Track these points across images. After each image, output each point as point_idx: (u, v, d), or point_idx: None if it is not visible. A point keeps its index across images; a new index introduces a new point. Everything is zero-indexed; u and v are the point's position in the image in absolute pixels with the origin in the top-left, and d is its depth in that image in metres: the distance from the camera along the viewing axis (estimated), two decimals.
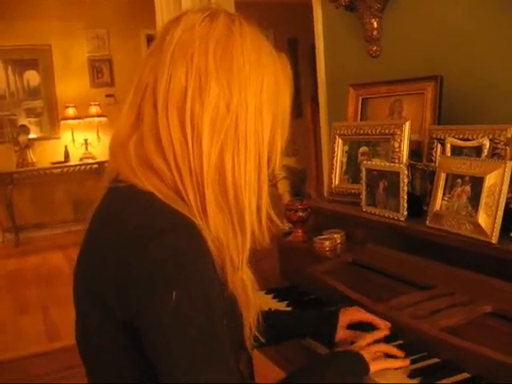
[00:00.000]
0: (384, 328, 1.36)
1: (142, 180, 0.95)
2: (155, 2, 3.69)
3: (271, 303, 1.79)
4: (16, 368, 3.35)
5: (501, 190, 1.38)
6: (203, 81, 0.95)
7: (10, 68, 6.95)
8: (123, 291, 0.89)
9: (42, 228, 7.02)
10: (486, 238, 1.39)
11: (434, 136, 1.74)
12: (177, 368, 0.87)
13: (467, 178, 1.47)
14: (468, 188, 1.47)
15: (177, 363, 0.87)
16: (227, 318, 0.95)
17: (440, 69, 1.92)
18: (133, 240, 0.89)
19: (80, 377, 1.07)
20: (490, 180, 1.40)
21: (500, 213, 1.37)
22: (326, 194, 2.18)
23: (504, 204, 1.38)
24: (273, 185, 5.06)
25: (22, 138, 6.80)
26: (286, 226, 2.10)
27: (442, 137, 1.70)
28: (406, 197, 1.68)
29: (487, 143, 1.55)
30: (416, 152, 1.86)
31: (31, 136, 6.98)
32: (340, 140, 2.08)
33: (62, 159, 7.07)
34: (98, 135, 7.20)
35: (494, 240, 1.37)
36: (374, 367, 1.21)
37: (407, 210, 1.68)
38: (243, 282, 1.06)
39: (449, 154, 1.64)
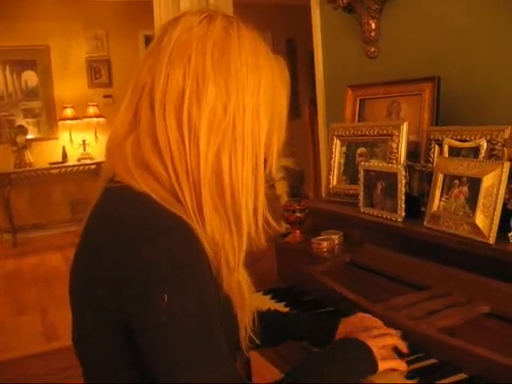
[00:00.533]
0: None
1: (138, 181, 0.95)
2: (154, 3, 3.69)
3: (269, 304, 1.79)
4: (14, 368, 3.34)
5: (498, 191, 1.38)
6: (200, 82, 0.95)
7: (8, 68, 6.94)
8: (119, 292, 0.89)
9: (39, 228, 7.01)
10: (484, 238, 1.39)
11: (432, 137, 1.75)
12: (171, 369, 0.87)
13: (465, 179, 1.48)
14: (465, 189, 1.47)
15: (171, 364, 0.87)
16: (222, 319, 0.95)
17: (438, 70, 1.92)
18: (129, 241, 0.89)
19: (78, 377, 1.07)
20: (487, 181, 1.40)
21: (497, 214, 1.38)
22: (323, 195, 2.19)
23: (501, 205, 1.38)
24: (271, 186, 5.06)
25: (19, 139, 6.79)
26: (284, 228, 2.10)
27: (440, 138, 1.70)
28: (403, 198, 1.68)
29: (485, 144, 1.55)
30: (414, 153, 1.87)
31: (29, 136, 6.97)
32: (338, 141, 2.09)
33: (60, 160, 7.05)
34: (96, 136, 7.20)
35: (492, 241, 1.38)
36: (382, 366, 1.19)
37: (405, 210, 1.68)
38: (239, 284, 1.06)
39: (446, 155, 1.65)
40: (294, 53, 7.75)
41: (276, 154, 1.04)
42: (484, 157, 1.54)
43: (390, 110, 2.06)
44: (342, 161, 2.08)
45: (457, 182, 1.50)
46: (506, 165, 1.38)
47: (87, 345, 1.00)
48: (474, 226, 1.41)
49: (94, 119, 7.07)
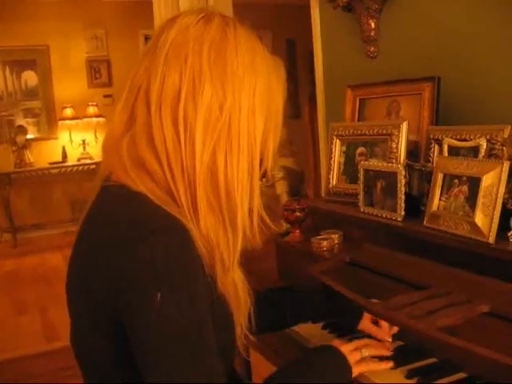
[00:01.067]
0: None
1: (134, 180, 0.96)
2: (153, 3, 3.69)
3: None
4: (14, 368, 3.35)
5: (498, 190, 1.38)
6: (197, 82, 0.95)
7: (7, 68, 6.95)
8: (114, 292, 0.89)
9: (39, 228, 7.02)
10: (483, 238, 1.39)
11: (432, 136, 1.75)
12: (160, 368, 0.87)
13: (464, 179, 1.48)
14: (465, 188, 1.47)
15: (161, 363, 0.87)
16: (217, 318, 0.95)
17: (437, 69, 1.92)
18: (124, 241, 0.89)
19: (78, 377, 1.07)
20: (487, 180, 1.40)
21: (497, 213, 1.38)
22: (323, 195, 2.19)
23: (501, 204, 1.38)
24: (271, 185, 5.06)
25: (19, 139, 6.80)
26: (283, 227, 2.11)
27: (440, 137, 1.70)
28: (403, 197, 1.68)
29: (484, 143, 1.55)
30: (413, 152, 1.87)
31: (29, 136, 6.98)
32: (338, 140, 2.09)
33: (60, 159, 7.07)
34: (95, 135, 7.21)
35: (491, 240, 1.38)
36: (356, 370, 1.22)
37: (404, 210, 1.68)
38: (234, 283, 1.06)
39: (446, 155, 1.65)
40: (295, 53, 7.75)
41: (272, 154, 1.04)
42: (483, 156, 1.54)
43: (389, 109, 2.06)
44: (342, 160, 2.08)
45: (456, 181, 1.50)
46: (506, 164, 1.38)
47: (84, 345, 1.00)
48: (474, 226, 1.42)
49: (94, 119, 7.08)
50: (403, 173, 1.69)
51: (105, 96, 7.25)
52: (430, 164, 1.70)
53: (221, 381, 0.94)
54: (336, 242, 1.90)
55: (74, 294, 1.01)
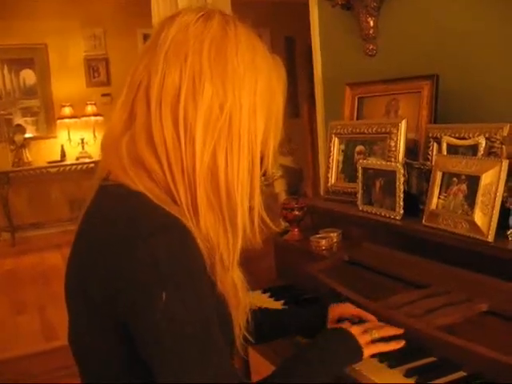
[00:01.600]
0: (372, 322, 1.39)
1: (133, 179, 0.95)
2: (152, 2, 3.68)
3: (267, 302, 1.79)
4: (12, 367, 3.34)
5: (497, 189, 1.38)
6: (197, 81, 0.95)
7: (5, 67, 6.93)
8: (114, 292, 0.89)
9: (38, 227, 7.00)
10: (482, 236, 1.39)
11: (431, 135, 1.74)
12: (171, 369, 0.87)
13: (463, 177, 1.48)
14: (464, 187, 1.47)
15: (171, 364, 0.87)
16: (217, 318, 0.95)
17: (436, 68, 1.92)
18: (124, 241, 0.89)
19: (76, 376, 1.06)
20: (486, 179, 1.40)
21: (496, 211, 1.37)
22: (322, 193, 2.18)
23: (500, 202, 1.38)
24: (269, 184, 5.06)
25: (17, 138, 6.79)
26: (282, 226, 2.10)
27: (438, 135, 1.70)
28: (402, 195, 1.68)
29: (483, 142, 1.55)
30: (412, 151, 1.87)
31: (27, 135, 6.97)
32: (336, 139, 2.08)
33: (59, 158, 7.05)
34: (94, 134, 7.19)
35: (490, 238, 1.37)
36: (367, 351, 1.22)
37: (403, 208, 1.68)
38: (234, 282, 1.06)
39: (445, 153, 1.64)
40: (293, 51, 7.74)
41: (272, 153, 1.04)
42: (483, 154, 1.54)
43: (388, 107, 2.06)
44: (341, 159, 2.08)
45: (455, 179, 1.50)
46: (505, 163, 1.38)
47: (83, 344, 1.00)
48: (473, 224, 1.41)
49: (93, 118, 7.07)
50: (402, 171, 1.69)
51: (103, 95, 7.23)
52: (428, 162, 1.70)
53: (234, 379, 0.94)
54: (335, 240, 1.90)
55: (72, 293, 1.01)
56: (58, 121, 7.06)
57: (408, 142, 1.85)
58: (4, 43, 6.74)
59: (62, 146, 7.11)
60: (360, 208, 1.84)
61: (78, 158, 7.12)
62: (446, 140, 1.65)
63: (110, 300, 0.90)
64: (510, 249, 1.35)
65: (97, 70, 7.35)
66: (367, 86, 2.16)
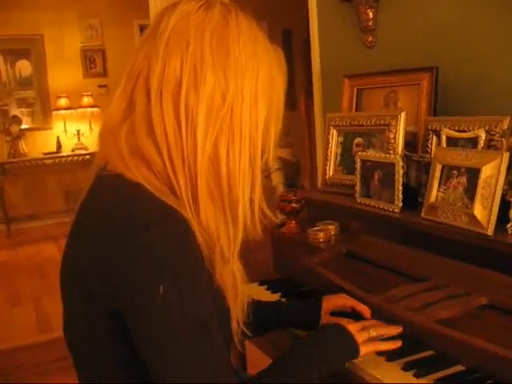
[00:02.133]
0: (366, 313, 1.39)
1: (131, 170, 0.94)
2: None
3: (264, 295, 1.78)
4: (7, 359, 3.33)
5: (497, 182, 1.37)
6: (198, 70, 0.94)
7: (1, 58, 6.89)
8: (110, 282, 0.88)
9: (34, 219, 7.00)
10: (482, 229, 1.38)
11: (430, 127, 1.73)
12: (168, 360, 0.87)
13: (463, 170, 1.46)
14: (464, 179, 1.46)
15: (168, 355, 0.87)
16: (215, 311, 0.94)
17: (436, 60, 1.90)
18: (121, 232, 0.88)
19: (71, 367, 1.06)
20: (486, 171, 1.39)
21: (496, 204, 1.36)
22: (320, 186, 2.17)
23: (500, 196, 1.37)
24: (266, 176, 5.05)
25: (13, 129, 6.77)
26: (280, 218, 2.09)
27: (438, 128, 1.69)
28: (401, 188, 1.67)
29: (483, 135, 1.54)
30: (411, 143, 1.86)
31: (23, 126, 6.95)
32: (334, 131, 2.07)
33: (54, 150, 7.04)
34: (90, 126, 7.17)
35: (490, 232, 1.37)
36: (364, 349, 1.22)
37: (402, 201, 1.67)
38: (233, 275, 1.05)
39: (444, 146, 1.63)
40: (291, 43, 7.71)
41: (273, 144, 1.03)
42: (482, 147, 1.53)
43: (387, 99, 2.05)
44: (339, 151, 2.06)
45: (455, 172, 1.49)
46: (505, 155, 1.37)
47: (78, 334, 0.99)
48: (473, 217, 1.40)
49: (89, 109, 7.05)
50: (401, 164, 1.68)
51: (100, 86, 7.21)
52: (428, 155, 1.69)
53: (229, 374, 0.94)
54: (332, 233, 1.89)
55: (68, 284, 1.00)
56: (54, 112, 7.04)
57: (407, 134, 1.83)
58: (0, 33, 6.70)
59: (58, 138, 7.09)
60: (358, 200, 1.83)
61: (73, 150, 7.12)
62: (446, 132, 1.64)
63: (108, 294, 0.89)
64: (509, 242, 1.34)
65: (93, 60, 7.32)
66: (366, 78, 2.14)
